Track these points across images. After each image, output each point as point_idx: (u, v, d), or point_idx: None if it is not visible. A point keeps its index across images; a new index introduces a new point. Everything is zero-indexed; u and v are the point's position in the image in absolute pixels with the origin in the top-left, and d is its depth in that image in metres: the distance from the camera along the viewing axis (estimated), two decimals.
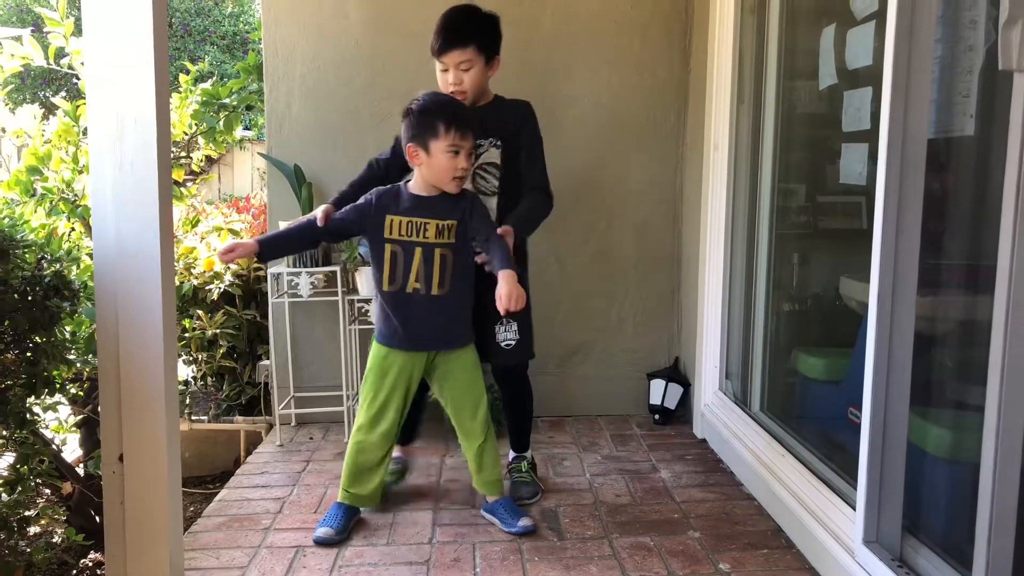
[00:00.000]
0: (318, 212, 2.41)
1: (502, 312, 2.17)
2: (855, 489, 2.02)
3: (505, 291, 2.16)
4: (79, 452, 3.31)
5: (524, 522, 2.42)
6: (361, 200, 2.41)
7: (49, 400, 2.52)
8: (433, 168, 2.28)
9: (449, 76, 2.44)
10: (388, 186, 2.44)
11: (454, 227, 2.33)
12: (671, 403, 3.44)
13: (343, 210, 2.41)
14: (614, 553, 2.31)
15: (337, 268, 3.16)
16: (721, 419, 3.07)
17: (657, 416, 3.46)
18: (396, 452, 2.75)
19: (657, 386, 3.47)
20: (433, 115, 2.25)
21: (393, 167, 2.59)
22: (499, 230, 2.35)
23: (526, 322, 2.60)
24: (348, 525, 2.44)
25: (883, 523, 1.94)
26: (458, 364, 2.44)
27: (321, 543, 2.36)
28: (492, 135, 2.53)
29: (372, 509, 2.58)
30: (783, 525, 2.44)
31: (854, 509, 2.03)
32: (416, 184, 2.37)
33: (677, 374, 3.50)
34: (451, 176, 2.28)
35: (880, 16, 2.05)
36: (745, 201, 3.06)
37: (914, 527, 1.94)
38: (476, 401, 2.46)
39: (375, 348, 2.45)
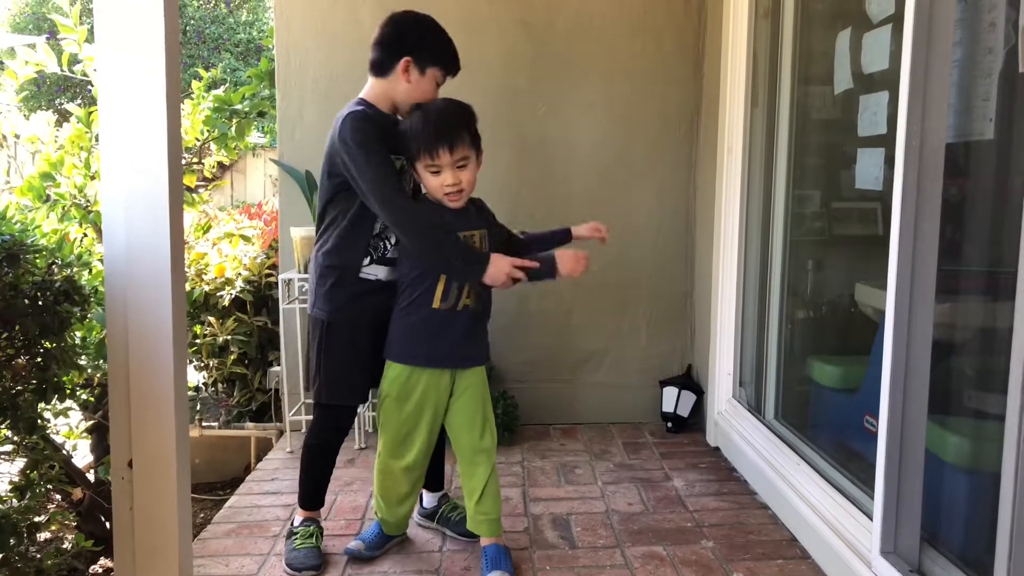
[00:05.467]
0: None
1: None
2: (872, 499, 2.00)
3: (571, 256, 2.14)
4: (91, 458, 3.32)
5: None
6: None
7: (60, 405, 2.53)
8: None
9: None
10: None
11: (485, 236, 2.21)
12: (684, 411, 3.41)
13: None
14: (626, 562, 2.28)
15: None
16: (735, 427, 3.04)
17: (670, 424, 3.44)
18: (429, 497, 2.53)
19: (670, 394, 3.45)
20: None
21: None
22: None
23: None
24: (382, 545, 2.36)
25: (901, 533, 1.91)
26: (476, 380, 2.24)
27: (349, 554, 2.31)
28: None
29: None
30: (798, 535, 2.41)
31: (871, 519, 2.00)
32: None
33: (690, 381, 3.47)
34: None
35: (897, 19, 2.02)
36: (759, 206, 3.03)
37: (932, 538, 1.91)
38: (484, 422, 2.24)
39: (393, 369, 2.20)
